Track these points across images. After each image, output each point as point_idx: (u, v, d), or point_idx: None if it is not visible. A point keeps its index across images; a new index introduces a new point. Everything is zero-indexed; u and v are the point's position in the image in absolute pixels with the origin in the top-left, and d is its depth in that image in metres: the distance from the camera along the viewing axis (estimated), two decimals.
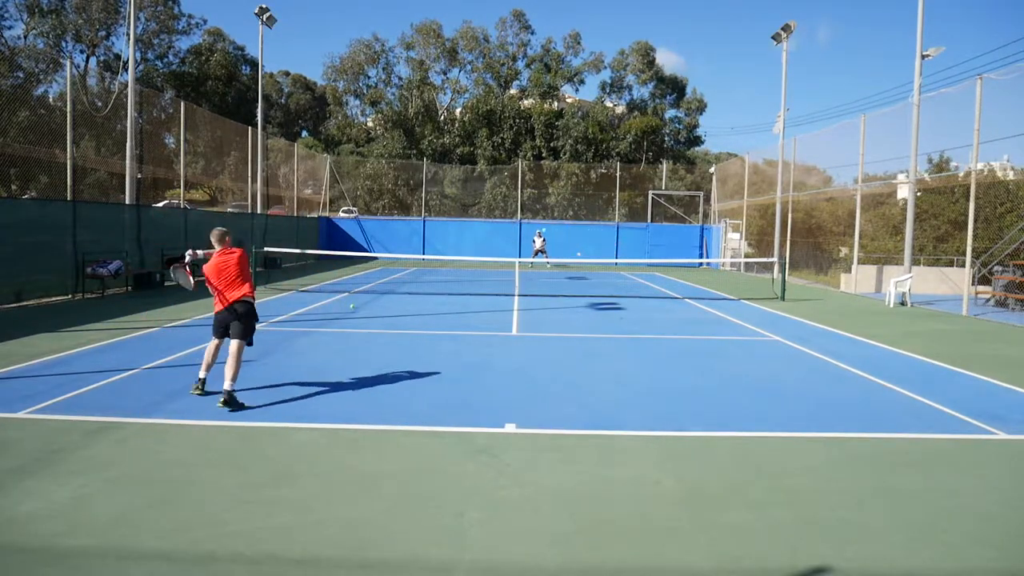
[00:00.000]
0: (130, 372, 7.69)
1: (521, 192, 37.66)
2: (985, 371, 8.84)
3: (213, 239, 6.73)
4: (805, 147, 26.48)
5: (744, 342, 11.01)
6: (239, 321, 6.50)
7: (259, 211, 27.65)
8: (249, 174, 27.26)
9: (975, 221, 15.91)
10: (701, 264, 33.40)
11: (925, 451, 5.64)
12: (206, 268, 6.61)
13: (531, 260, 29.60)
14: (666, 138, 47.53)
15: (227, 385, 6.19)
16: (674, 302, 16.85)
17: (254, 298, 6.69)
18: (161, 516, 4.06)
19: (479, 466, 5.01)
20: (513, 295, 17.50)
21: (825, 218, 28.68)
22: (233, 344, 6.41)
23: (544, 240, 29.73)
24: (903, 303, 17.01)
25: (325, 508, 4.24)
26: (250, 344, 6.63)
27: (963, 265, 17.09)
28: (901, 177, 23.77)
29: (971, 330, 13.05)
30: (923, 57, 18.45)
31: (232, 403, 6.17)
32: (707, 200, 36.70)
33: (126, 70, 19.38)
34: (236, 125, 27.93)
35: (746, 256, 30.55)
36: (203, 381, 6.67)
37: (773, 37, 27.58)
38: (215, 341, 6.70)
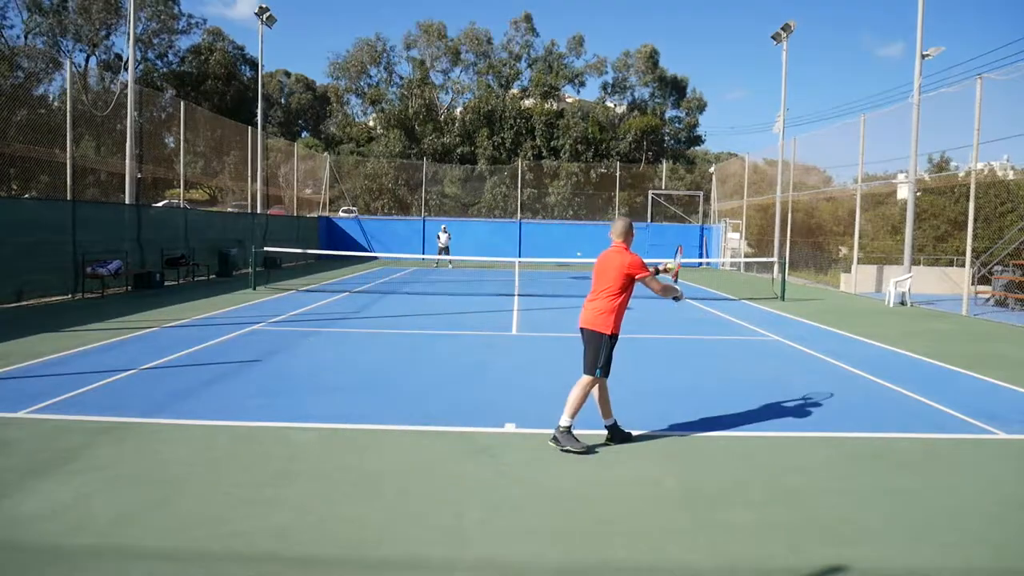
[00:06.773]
0: (130, 372, 7.68)
1: (521, 192, 37.67)
2: (985, 371, 8.84)
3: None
4: (805, 147, 26.50)
5: (744, 342, 11.01)
6: None
7: (259, 211, 27.65)
8: (249, 174, 27.26)
9: (975, 221, 15.90)
10: (701, 264, 33.39)
11: (925, 451, 5.64)
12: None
13: (436, 258, 28.84)
14: (666, 138, 47.51)
15: None
16: (673, 302, 16.82)
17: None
18: (161, 516, 4.05)
19: (479, 466, 5.01)
20: (513, 295, 17.50)
21: (825, 218, 28.67)
22: None
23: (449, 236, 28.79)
24: (903, 303, 17.01)
25: (325, 508, 4.23)
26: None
27: (963, 265, 17.08)
28: (901, 177, 23.76)
29: (971, 330, 13.05)
30: (923, 57, 18.45)
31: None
32: (707, 200, 36.70)
33: (126, 69, 19.38)
34: (236, 125, 27.93)
35: (746, 256, 30.54)
36: None
37: (773, 37, 27.58)
38: None
